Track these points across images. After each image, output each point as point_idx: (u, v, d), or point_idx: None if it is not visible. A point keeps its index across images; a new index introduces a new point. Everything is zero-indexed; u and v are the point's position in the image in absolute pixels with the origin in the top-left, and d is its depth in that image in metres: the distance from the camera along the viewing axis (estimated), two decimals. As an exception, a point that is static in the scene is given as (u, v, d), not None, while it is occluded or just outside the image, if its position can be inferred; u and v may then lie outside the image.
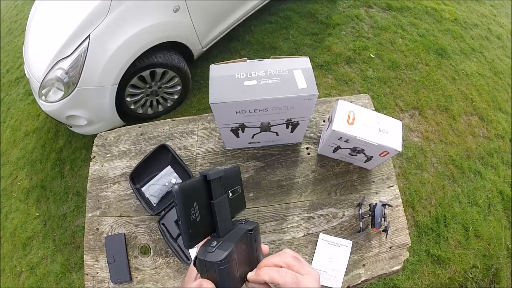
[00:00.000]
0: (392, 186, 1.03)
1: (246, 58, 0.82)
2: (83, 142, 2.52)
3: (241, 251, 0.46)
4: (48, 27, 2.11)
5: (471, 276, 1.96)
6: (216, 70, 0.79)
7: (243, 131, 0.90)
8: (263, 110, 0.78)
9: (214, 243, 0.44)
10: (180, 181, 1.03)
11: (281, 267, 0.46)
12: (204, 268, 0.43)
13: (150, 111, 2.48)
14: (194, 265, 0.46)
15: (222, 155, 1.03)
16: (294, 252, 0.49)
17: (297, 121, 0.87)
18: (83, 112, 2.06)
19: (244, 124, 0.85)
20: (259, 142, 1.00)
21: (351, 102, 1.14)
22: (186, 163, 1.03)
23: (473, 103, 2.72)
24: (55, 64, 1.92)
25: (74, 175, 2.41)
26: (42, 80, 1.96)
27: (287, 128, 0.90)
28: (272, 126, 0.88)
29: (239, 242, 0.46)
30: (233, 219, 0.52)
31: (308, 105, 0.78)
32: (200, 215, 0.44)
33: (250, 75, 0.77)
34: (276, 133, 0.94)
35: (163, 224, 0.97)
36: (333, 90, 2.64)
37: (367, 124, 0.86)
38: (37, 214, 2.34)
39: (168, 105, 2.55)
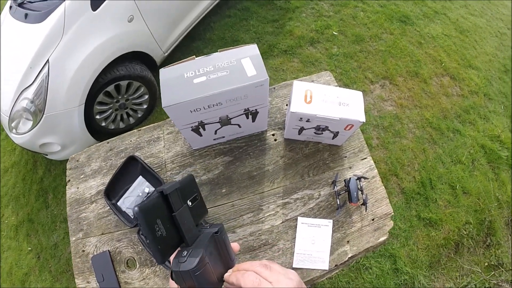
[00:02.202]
0: (365, 158, 1.03)
1: (194, 56, 0.81)
2: (62, 168, 2.48)
3: (212, 254, 0.48)
4: (7, 59, 2.06)
5: (465, 232, 2.00)
6: (166, 73, 0.78)
7: (204, 129, 0.89)
8: (217, 105, 0.78)
9: (185, 252, 0.46)
10: (153, 189, 1.02)
11: None
12: (181, 278, 0.44)
13: (122, 125, 2.45)
14: (172, 278, 0.47)
15: (190, 156, 1.03)
16: (270, 262, 0.49)
17: (255, 110, 0.86)
18: (55, 138, 2.03)
19: (203, 121, 0.84)
20: (223, 137, 0.99)
21: (312, 81, 1.15)
22: (156, 170, 1.02)
23: (443, 64, 2.76)
24: (19, 95, 1.89)
25: (58, 202, 2.37)
26: (10, 113, 1.93)
27: (248, 118, 0.90)
28: (231, 118, 0.87)
29: (208, 246, 0.47)
30: (198, 226, 0.54)
31: (261, 91, 0.78)
32: (166, 230, 0.46)
33: (198, 72, 0.76)
34: (238, 125, 0.93)
35: (142, 234, 0.96)
36: (300, 73, 2.65)
37: (325, 100, 0.86)
38: (29, 248, 2.30)
39: (139, 115, 2.53)
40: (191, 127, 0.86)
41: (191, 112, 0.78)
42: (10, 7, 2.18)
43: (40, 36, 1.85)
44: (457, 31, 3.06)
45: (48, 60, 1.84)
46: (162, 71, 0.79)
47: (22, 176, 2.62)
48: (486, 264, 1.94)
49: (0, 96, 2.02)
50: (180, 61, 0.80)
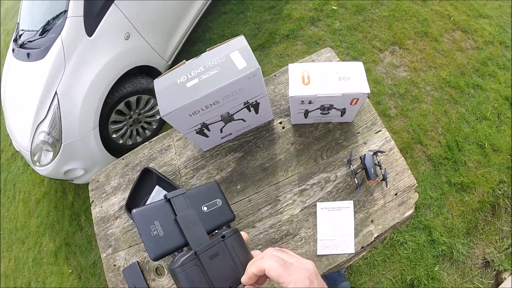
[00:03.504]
0: (380, 131, 0.98)
1: (185, 60, 0.80)
2: (89, 190, 2.58)
3: (213, 258, 0.49)
4: (19, 99, 2.16)
5: (500, 192, 1.90)
6: (159, 83, 0.79)
7: (208, 130, 0.88)
8: (214, 103, 0.77)
9: (179, 254, 0.48)
10: (171, 196, 1.04)
11: None
12: (172, 276, 0.47)
13: (139, 139, 2.51)
14: None
15: (201, 158, 1.03)
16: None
17: (255, 101, 0.85)
18: (77, 163, 2.12)
19: (205, 122, 0.84)
20: (230, 133, 0.98)
21: (313, 61, 1.11)
22: (171, 177, 1.03)
23: (451, 18, 2.62)
24: (36, 130, 1.98)
25: (91, 223, 2.45)
26: (31, 148, 2.02)
27: (250, 111, 0.88)
28: (233, 114, 0.86)
29: (207, 250, 0.49)
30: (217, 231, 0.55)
31: (256, 82, 0.76)
32: (164, 231, 0.50)
33: (190, 75, 0.76)
34: (243, 120, 0.92)
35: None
36: (306, 55, 2.54)
37: (324, 78, 0.83)
38: (70, 270, 2.40)
39: (154, 127, 2.58)
40: (195, 130, 0.86)
41: (190, 115, 0.78)
42: (13, 49, 2.29)
43: (44, 71, 1.93)
44: (461, -19, 2.90)
45: (56, 92, 1.92)
46: (156, 82, 0.79)
47: (54, 204, 2.73)
48: (526, 223, 1.84)
49: (14, 135, 2.12)
50: (171, 68, 0.80)
